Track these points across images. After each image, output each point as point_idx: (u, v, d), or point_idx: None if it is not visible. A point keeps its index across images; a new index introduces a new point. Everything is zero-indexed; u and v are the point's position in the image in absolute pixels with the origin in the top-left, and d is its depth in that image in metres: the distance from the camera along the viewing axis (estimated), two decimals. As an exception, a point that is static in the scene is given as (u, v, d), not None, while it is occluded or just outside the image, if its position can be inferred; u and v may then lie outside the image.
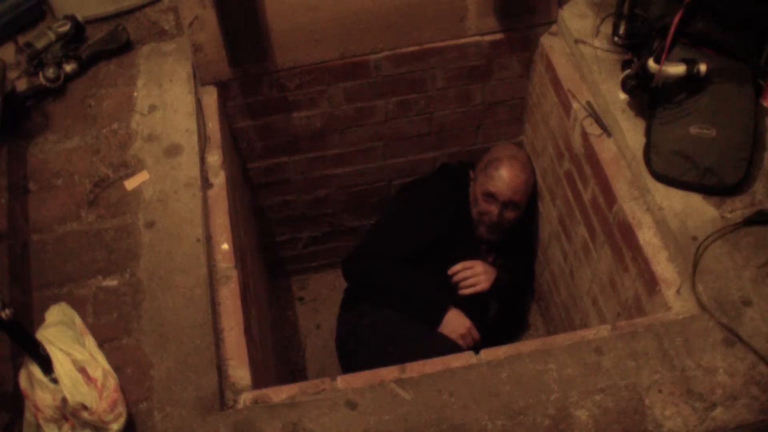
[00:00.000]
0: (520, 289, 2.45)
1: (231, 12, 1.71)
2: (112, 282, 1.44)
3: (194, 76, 1.85)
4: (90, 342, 1.27)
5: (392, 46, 1.94)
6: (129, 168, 1.63)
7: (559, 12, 1.96)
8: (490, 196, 2.10)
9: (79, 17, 1.87)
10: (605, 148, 1.71)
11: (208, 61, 1.83)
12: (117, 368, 1.28)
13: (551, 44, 1.98)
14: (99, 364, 1.22)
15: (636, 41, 1.72)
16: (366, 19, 1.85)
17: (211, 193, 1.65)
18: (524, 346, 1.37)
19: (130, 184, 1.60)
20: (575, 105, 1.82)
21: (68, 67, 1.80)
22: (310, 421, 1.25)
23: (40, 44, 1.80)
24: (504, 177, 2.09)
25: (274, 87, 1.95)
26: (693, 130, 1.58)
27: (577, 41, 1.86)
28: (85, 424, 1.17)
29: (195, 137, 1.69)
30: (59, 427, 1.17)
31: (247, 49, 1.82)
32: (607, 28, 1.85)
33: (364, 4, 1.82)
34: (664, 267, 1.49)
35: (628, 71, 1.64)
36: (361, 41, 1.90)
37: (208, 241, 1.54)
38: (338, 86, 2.01)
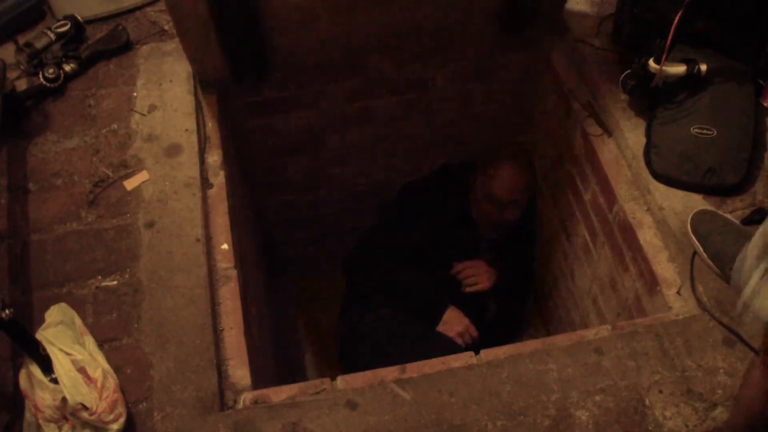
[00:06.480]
0: (520, 289, 2.45)
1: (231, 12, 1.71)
2: (111, 282, 1.44)
3: (194, 76, 1.84)
4: (90, 342, 1.27)
5: (393, 46, 1.94)
6: (129, 168, 1.63)
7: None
8: (491, 197, 2.10)
9: (79, 17, 1.87)
10: (605, 149, 1.71)
11: (208, 61, 1.83)
12: (117, 368, 1.28)
13: (551, 44, 1.97)
14: (99, 364, 1.22)
15: (636, 41, 1.72)
16: (366, 19, 1.85)
17: (210, 193, 1.65)
18: (524, 346, 1.37)
19: (130, 184, 1.60)
20: (575, 105, 1.82)
21: (68, 67, 1.80)
22: (310, 421, 1.25)
23: (39, 44, 1.80)
24: (504, 177, 2.09)
25: (274, 87, 1.95)
26: (693, 130, 1.58)
27: (577, 41, 1.86)
28: (85, 424, 1.17)
29: (195, 137, 1.69)
30: (59, 427, 1.17)
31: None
32: (607, 27, 1.85)
33: (365, 4, 1.82)
34: (664, 267, 1.49)
35: (628, 71, 1.64)
36: (362, 41, 1.90)
37: (208, 241, 1.54)
38: (338, 86, 2.01)
